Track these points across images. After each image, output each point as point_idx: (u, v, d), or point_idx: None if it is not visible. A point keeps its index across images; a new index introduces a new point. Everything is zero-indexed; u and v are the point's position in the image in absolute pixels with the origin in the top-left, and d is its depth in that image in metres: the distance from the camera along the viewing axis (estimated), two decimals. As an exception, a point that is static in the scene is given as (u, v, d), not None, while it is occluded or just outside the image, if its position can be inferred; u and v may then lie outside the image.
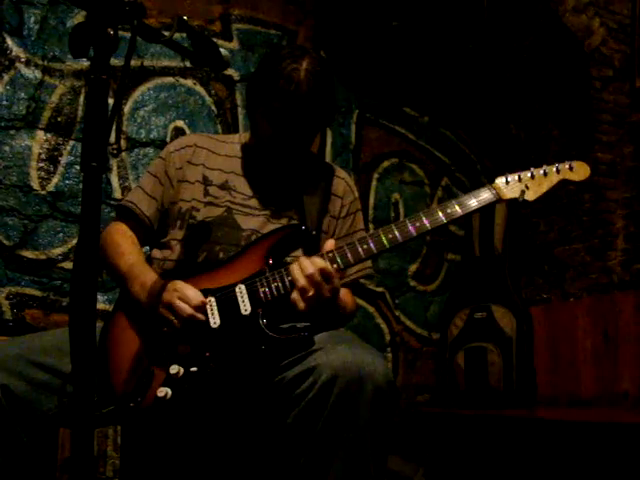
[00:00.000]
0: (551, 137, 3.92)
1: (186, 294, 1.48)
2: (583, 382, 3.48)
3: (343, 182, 1.86)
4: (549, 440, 2.71)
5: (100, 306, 2.86)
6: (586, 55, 3.71)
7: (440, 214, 1.57)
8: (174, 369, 1.43)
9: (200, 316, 1.48)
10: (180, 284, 1.51)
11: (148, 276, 1.57)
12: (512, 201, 1.63)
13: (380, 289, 3.75)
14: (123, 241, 1.70)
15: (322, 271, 1.45)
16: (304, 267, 1.46)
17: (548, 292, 3.85)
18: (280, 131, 1.65)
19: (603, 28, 3.71)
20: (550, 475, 2.65)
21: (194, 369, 1.44)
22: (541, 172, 1.65)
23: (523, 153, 4.07)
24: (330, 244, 1.55)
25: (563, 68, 3.84)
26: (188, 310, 1.47)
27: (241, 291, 1.53)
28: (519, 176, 1.64)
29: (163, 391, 1.41)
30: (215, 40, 1.37)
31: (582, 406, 3.44)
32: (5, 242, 2.80)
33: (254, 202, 1.75)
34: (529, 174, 1.64)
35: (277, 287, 1.51)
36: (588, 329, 3.51)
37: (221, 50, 1.33)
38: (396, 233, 1.54)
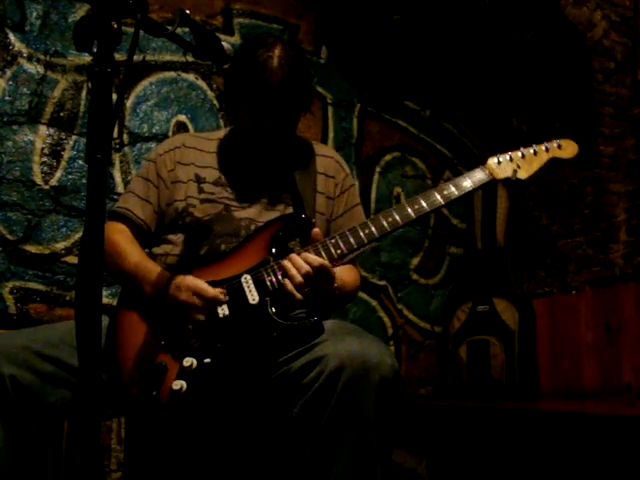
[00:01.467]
0: (553, 130, 3.92)
1: (200, 288, 1.50)
2: (585, 375, 3.49)
3: (332, 161, 1.88)
4: (551, 433, 2.71)
5: (104, 300, 2.87)
6: (588, 48, 3.71)
7: (437, 196, 1.59)
8: (187, 361, 1.44)
9: (220, 296, 1.50)
10: (191, 280, 1.51)
11: (155, 275, 1.57)
12: (505, 180, 1.66)
13: (382, 283, 3.76)
14: (121, 240, 1.70)
15: (317, 268, 1.47)
16: (299, 266, 1.47)
17: (550, 285, 3.86)
18: (258, 119, 1.65)
19: (605, 20, 3.71)
20: (552, 468, 2.66)
21: (207, 360, 1.45)
22: (531, 151, 1.71)
23: (525, 146, 4.06)
24: (316, 232, 1.55)
25: (565, 61, 3.84)
26: (206, 304, 1.49)
27: (247, 281, 1.54)
28: (510, 156, 1.68)
29: (178, 384, 1.41)
30: (217, 35, 1.37)
31: (584, 399, 3.44)
32: (9, 237, 2.81)
33: (250, 195, 1.75)
34: (520, 154, 1.70)
35: (283, 275, 1.51)
36: (590, 322, 3.52)
37: (223, 44, 1.34)
38: (396, 216, 1.56)
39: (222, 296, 1.50)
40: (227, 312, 1.50)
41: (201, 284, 1.51)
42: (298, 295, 1.46)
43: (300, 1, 3.71)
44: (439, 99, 4.12)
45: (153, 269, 1.59)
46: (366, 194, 3.75)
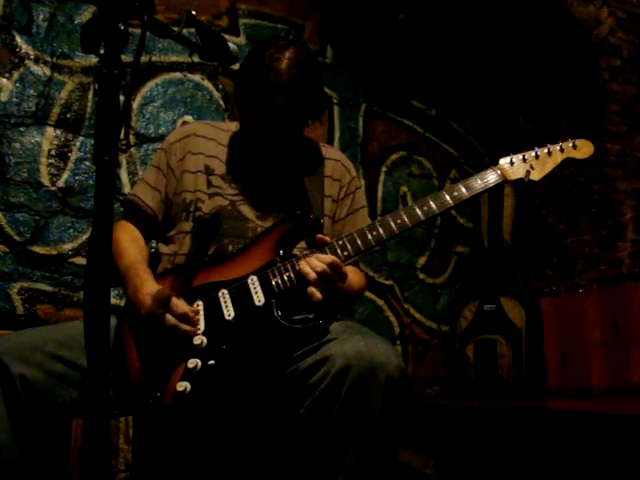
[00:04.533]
0: (559, 128, 3.91)
1: (171, 304, 1.48)
2: (593, 374, 3.48)
3: (339, 164, 1.87)
4: (559, 432, 2.71)
5: (112, 301, 2.87)
6: (594, 46, 3.70)
7: (447, 197, 1.57)
8: (192, 363, 1.43)
9: (185, 327, 1.47)
10: (165, 293, 1.48)
11: (140, 280, 1.56)
12: (518, 181, 1.62)
13: (389, 282, 3.76)
14: (124, 238, 1.71)
15: (331, 265, 1.46)
16: (314, 265, 1.47)
17: (557, 284, 3.85)
18: (261, 119, 1.65)
19: (611, 18, 3.70)
20: (560, 467, 2.65)
21: (212, 362, 1.44)
22: (545, 151, 1.66)
23: (531, 144, 4.05)
24: (321, 237, 1.54)
25: (571, 59, 3.83)
26: (172, 320, 1.47)
27: (253, 282, 1.53)
28: (523, 156, 1.64)
29: (182, 385, 1.41)
30: (222, 35, 1.38)
31: (592, 398, 3.43)
32: (16, 238, 2.82)
33: (256, 192, 1.75)
34: (533, 154, 1.65)
35: (289, 277, 1.51)
36: (598, 320, 3.51)
37: (229, 44, 1.34)
38: (405, 218, 1.54)
39: (192, 314, 1.48)
40: (233, 314, 1.50)
41: (174, 300, 1.49)
42: (318, 295, 1.45)
43: (305, 1, 3.71)
44: (445, 98, 4.11)
45: (141, 273, 1.59)
46: (372, 193, 3.75)
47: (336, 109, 3.72)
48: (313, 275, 1.45)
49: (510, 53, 4.09)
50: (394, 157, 3.90)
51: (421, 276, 3.88)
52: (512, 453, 2.85)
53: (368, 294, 3.62)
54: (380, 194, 3.80)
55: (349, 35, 3.82)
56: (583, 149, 1.68)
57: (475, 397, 3.56)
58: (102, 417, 0.96)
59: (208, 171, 1.77)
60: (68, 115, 3.01)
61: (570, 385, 3.57)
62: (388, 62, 3.93)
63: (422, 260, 3.89)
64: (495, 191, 3.83)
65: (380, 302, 3.70)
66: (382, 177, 3.84)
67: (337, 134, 3.70)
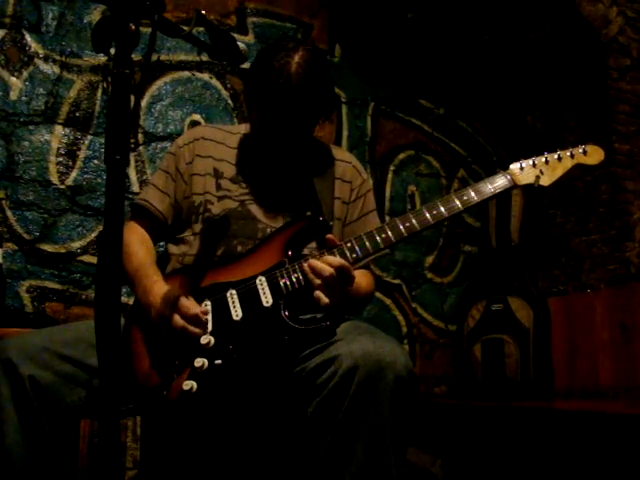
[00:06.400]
0: (567, 128, 3.90)
1: (180, 305, 1.48)
2: (601, 373, 3.47)
3: (350, 166, 1.86)
4: (566, 432, 2.70)
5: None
6: (603, 45, 3.68)
7: (456, 201, 1.56)
8: (199, 362, 1.43)
9: (193, 329, 1.47)
10: (175, 294, 1.49)
11: (150, 282, 1.57)
12: (527, 187, 1.62)
13: (397, 281, 3.75)
14: (133, 240, 1.71)
15: (339, 268, 1.46)
16: (321, 268, 1.46)
17: (565, 283, 3.84)
18: (271, 122, 1.65)
19: (621, 17, 3.68)
20: (567, 467, 2.65)
21: (218, 362, 1.44)
22: (555, 157, 1.65)
23: (539, 144, 4.05)
24: (331, 237, 1.54)
25: (580, 58, 3.82)
26: (181, 322, 1.47)
27: (262, 283, 1.53)
28: (533, 162, 1.63)
29: (189, 384, 1.41)
30: (231, 34, 1.38)
31: (600, 397, 3.42)
32: (25, 236, 2.83)
33: (266, 194, 1.75)
34: (543, 159, 1.64)
35: (297, 278, 1.51)
36: (606, 320, 3.50)
37: (238, 44, 1.34)
38: (413, 221, 1.54)
39: (201, 315, 1.48)
40: (241, 314, 1.50)
41: (184, 301, 1.49)
42: (324, 299, 1.45)
43: (314, 0, 3.71)
44: (453, 97, 4.11)
45: (151, 275, 1.59)
46: (380, 193, 3.75)
47: (344, 108, 3.71)
48: (320, 279, 1.45)
49: (518, 52, 4.08)
50: (402, 156, 3.90)
51: (429, 275, 3.88)
52: (519, 453, 2.85)
53: (375, 293, 3.61)
54: (388, 193, 3.80)
55: (357, 34, 3.81)
56: (593, 155, 1.67)
57: (482, 396, 3.56)
58: (112, 417, 0.96)
59: (217, 174, 1.77)
60: (77, 114, 3.02)
61: (578, 385, 3.56)
62: (396, 61, 3.92)
63: (430, 259, 3.89)
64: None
65: (388, 301, 3.70)
66: (390, 176, 3.83)
67: (345, 133, 3.70)
